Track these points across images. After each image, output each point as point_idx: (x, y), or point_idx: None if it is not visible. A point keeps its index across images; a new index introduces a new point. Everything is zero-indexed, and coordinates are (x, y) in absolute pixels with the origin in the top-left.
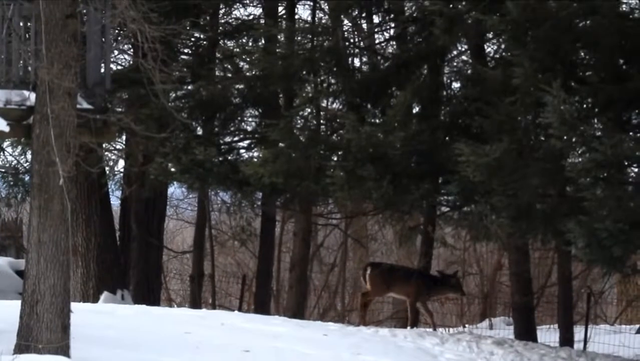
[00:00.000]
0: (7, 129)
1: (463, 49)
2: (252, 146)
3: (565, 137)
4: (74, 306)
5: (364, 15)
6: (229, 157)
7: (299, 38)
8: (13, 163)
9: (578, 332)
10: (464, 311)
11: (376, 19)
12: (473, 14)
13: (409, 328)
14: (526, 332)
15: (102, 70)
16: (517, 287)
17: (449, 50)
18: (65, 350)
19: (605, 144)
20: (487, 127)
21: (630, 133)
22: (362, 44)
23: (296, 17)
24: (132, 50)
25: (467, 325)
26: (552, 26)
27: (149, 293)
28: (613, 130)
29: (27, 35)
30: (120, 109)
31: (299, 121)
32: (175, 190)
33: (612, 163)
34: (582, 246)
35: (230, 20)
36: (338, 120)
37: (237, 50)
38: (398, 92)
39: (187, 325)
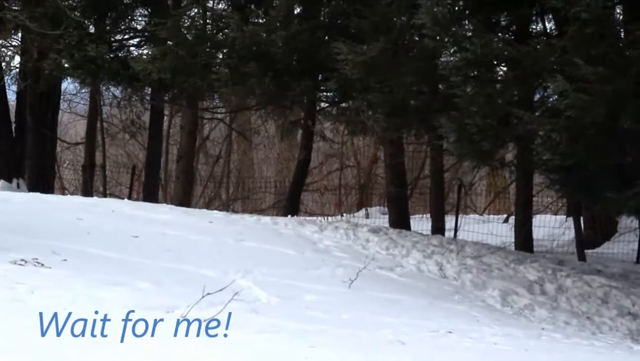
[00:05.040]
0: None
1: None
2: (142, 43)
3: (438, 38)
4: None
5: None
6: (120, 54)
7: None
8: None
9: (449, 221)
10: (342, 201)
11: None
12: None
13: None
14: (400, 221)
15: None
16: (391, 178)
17: None
18: None
19: (476, 44)
20: (364, 28)
21: (499, 34)
22: None
23: None
24: None
25: (344, 214)
26: None
27: (43, 182)
28: (483, 31)
29: None
30: (16, 8)
31: (186, 21)
32: (68, 85)
33: (481, 62)
34: (453, 140)
35: None
36: (223, 20)
37: None
38: None
39: (79, 212)
